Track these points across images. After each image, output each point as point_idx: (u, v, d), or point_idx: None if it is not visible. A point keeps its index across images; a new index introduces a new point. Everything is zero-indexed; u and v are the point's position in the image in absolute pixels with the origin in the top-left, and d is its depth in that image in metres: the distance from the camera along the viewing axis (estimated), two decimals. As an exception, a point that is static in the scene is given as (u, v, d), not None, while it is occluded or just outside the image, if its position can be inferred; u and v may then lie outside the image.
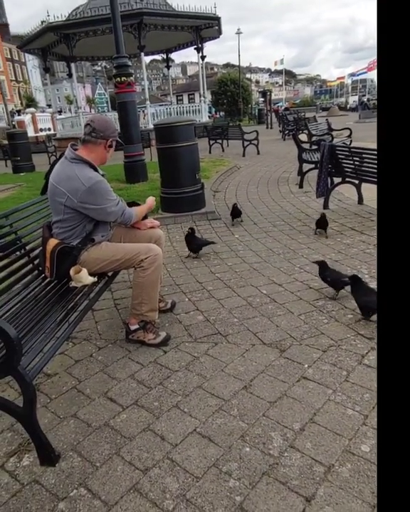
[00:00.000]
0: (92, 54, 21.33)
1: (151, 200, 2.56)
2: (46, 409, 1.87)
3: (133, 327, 2.37)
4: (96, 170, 2.17)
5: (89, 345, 2.40)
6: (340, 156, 4.60)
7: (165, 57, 22.89)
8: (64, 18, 16.23)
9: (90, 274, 2.20)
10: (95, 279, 2.25)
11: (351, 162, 4.47)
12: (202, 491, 1.42)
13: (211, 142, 12.98)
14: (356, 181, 4.83)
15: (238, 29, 34.21)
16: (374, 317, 2.41)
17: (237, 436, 1.64)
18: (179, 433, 1.68)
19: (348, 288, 2.56)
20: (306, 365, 2.05)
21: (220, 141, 13.12)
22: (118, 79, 6.76)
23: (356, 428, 1.63)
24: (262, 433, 1.65)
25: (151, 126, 13.67)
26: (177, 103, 32.57)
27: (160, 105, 21.37)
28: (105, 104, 35.75)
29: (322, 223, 3.97)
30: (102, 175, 2.23)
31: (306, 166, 6.38)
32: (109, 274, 2.43)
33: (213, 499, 1.39)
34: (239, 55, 34.75)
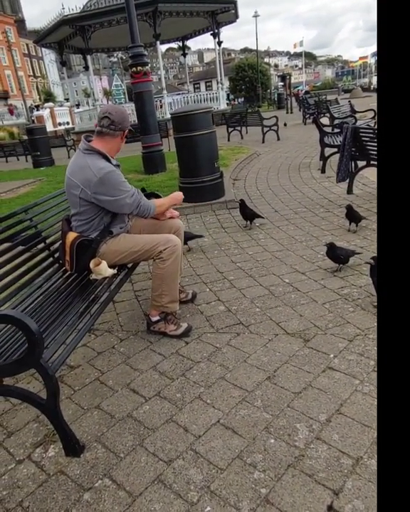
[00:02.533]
0: (107, 45, 21.29)
1: (177, 195, 2.48)
2: (70, 401, 1.89)
3: (154, 318, 2.36)
4: (109, 161, 2.15)
5: (111, 337, 2.41)
6: (364, 139, 4.44)
7: (181, 44, 22.60)
8: (79, 11, 16.21)
9: (110, 266, 2.20)
10: (115, 271, 2.25)
11: (376, 144, 4.30)
12: (227, 482, 1.40)
13: (230, 129, 12.78)
14: (381, 164, 4.65)
15: (255, 12, 33.39)
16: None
17: (261, 427, 1.62)
18: (202, 424, 1.67)
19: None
20: (331, 355, 2.00)
21: (238, 128, 12.91)
22: (134, 69, 6.70)
23: (385, 420, 1.58)
24: (287, 424, 1.62)
25: (168, 116, 13.59)
26: (194, 91, 32.18)
27: (177, 94, 21.13)
28: (122, 96, 35.70)
29: (352, 216, 3.60)
30: (116, 165, 2.21)
31: (328, 151, 6.20)
32: (129, 265, 2.42)
33: (237, 491, 1.37)
34: (257, 39, 34.04)
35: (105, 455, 1.57)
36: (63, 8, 16.18)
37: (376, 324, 2.22)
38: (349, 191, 4.84)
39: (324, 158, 6.32)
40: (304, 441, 1.53)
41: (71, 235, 2.19)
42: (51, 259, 2.42)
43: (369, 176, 5.36)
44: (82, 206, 2.14)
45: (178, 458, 1.52)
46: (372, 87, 44.43)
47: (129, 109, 16.76)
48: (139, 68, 6.65)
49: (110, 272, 2.19)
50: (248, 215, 4.05)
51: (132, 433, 1.67)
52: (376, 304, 2.40)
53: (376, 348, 2.02)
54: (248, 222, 4.11)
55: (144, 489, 1.41)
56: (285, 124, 12.12)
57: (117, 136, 2.18)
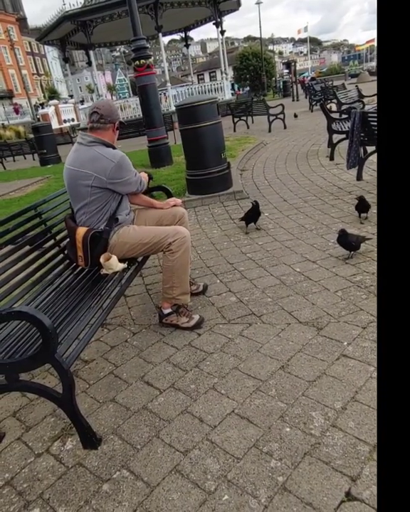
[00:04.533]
0: (110, 40, 21.20)
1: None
2: (86, 395, 1.91)
3: (166, 311, 2.36)
4: (114, 148, 2.23)
5: (123, 331, 2.43)
6: (373, 123, 4.35)
7: (183, 36, 22.38)
8: (80, 6, 16.13)
9: (120, 260, 2.20)
10: (125, 265, 2.25)
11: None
12: (243, 471, 1.41)
13: (235, 120, 12.66)
14: (391, 148, 4.57)
15: (258, -1, 32.84)
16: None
17: (276, 416, 1.61)
18: (217, 414, 1.67)
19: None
20: (345, 343, 1.98)
21: (244, 118, 12.79)
22: (137, 62, 6.65)
23: (402, 406, 1.56)
24: (302, 413, 1.61)
25: (173, 109, 13.51)
26: (198, 82, 31.95)
27: (181, 86, 21.00)
28: (126, 90, 35.57)
29: (362, 207, 3.48)
30: None
31: (336, 137, 6.10)
32: (139, 259, 2.42)
33: (254, 479, 1.37)
34: (260, 27, 33.45)
35: (122, 447, 1.59)
36: (64, 4, 16.13)
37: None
38: (359, 177, 4.76)
39: (332, 145, 6.22)
40: (320, 429, 1.53)
41: (81, 230, 2.19)
42: (62, 255, 2.44)
43: (378, 161, 5.26)
44: (92, 195, 2.17)
45: (194, 448, 1.53)
46: (379, 70, 43.46)
47: (134, 103, 16.82)
48: (142, 61, 6.61)
49: (121, 266, 2.20)
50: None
51: (147, 425, 1.68)
52: None
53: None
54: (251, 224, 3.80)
55: (161, 479, 1.43)
56: (296, 115, 11.93)
57: (109, 128, 2.24)
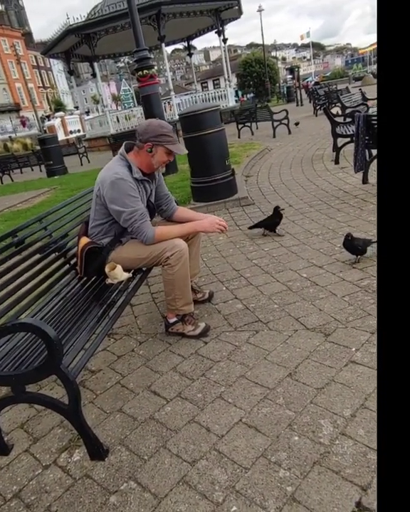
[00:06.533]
0: (113, 51, 21.47)
1: (200, 225, 2.30)
2: (93, 405, 1.91)
3: (172, 320, 2.36)
4: (131, 171, 2.14)
5: (130, 340, 2.43)
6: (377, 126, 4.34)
7: (186, 45, 22.62)
8: (83, 19, 16.41)
9: (124, 270, 2.21)
10: (130, 274, 2.25)
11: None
12: (251, 481, 1.39)
13: (240, 126, 12.70)
14: (396, 151, 4.55)
15: (259, 6, 33.15)
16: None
17: (284, 425, 1.59)
18: (225, 424, 1.65)
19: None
20: (353, 349, 1.96)
21: (248, 124, 12.84)
22: (140, 72, 6.73)
23: (412, 413, 1.53)
24: (310, 421, 1.59)
25: (177, 117, 13.62)
26: (202, 90, 32.19)
27: (185, 94, 21.14)
28: (131, 100, 36.02)
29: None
30: (144, 180, 2.20)
31: (341, 141, 6.08)
32: (144, 269, 2.43)
33: (263, 490, 1.35)
34: (262, 33, 33.79)
35: (129, 458, 1.58)
36: (68, 18, 16.41)
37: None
38: (365, 181, 4.74)
39: (337, 149, 6.21)
40: (329, 437, 1.50)
41: (83, 240, 2.23)
42: (67, 266, 2.45)
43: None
44: (97, 205, 2.21)
45: (202, 458, 1.52)
46: (383, 73, 43.52)
47: (139, 112, 16.99)
48: (145, 72, 6.68)
49: (126, 275, 2.20)
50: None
51: (154, 435, 1.67)
52: None
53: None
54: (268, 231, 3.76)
55: (169, 491, 1.41)
56: (297, 124, 11.95)
57: (142, 148, 2.14)
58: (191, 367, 2.06)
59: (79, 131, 25.45)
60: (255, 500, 1.32)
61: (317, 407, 1.65)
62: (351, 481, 1.33)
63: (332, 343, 2.03)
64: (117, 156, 2.23)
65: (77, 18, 16.35)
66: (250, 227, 3.83)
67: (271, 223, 3.67)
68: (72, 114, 30.27)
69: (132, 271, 2.28)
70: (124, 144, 2.24)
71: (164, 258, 2.14)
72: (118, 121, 18.10)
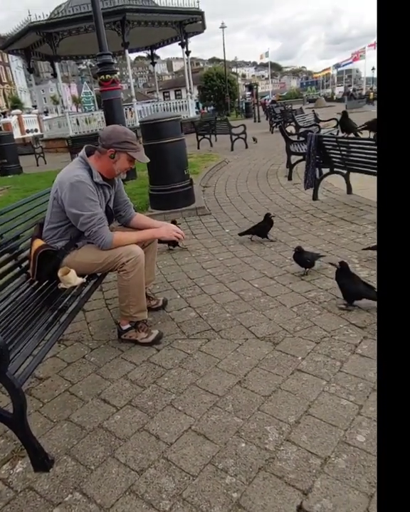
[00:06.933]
0: (76, 53, 21.10)
1: (159, 232, 2.34)
2: (39, 414, 1.84)
3: (125, 327, 2.34)
4: (91, 175, 2.11)
5: (81, 347, 2.38)
6: (327, 147, 4.59)
7: (150, 53, 22.69)
8: (46, 18, 16.02)
9: (78, 275, 2.17)
10: (84, 279, 2.22)
11: (339, 152, 4.45)
12: (199, 489, 1.40)
13: (199, 137, 12.90)
14: (345, 171, 4.83)
15: (222, 23, 34.05)
16: (365, 306, 2.42)
17: (232, 432, 1.63)
18: (174, 432, 1.66)
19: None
20: (300, 357, 2.04)
21: (208, 136, 13.06)
22: (102, 77, 6.67)
23: (351, 418, 1.63)
24: (257, 428, 1.64)
25: (138, 124, 13.56)
26: (164, 99, 32.36)
27: (147, 102, 21.15)
28: (92, 103, 35.34)
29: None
30: (104, 185, 2.18)
31: (294, 158, 6.37)
32: (99, 274, 2.39)
33: (209, 497, 1.37)
34: (224, 50, 34.64)
35: (75, 468, 1.54)
36: (30, 15, 15.95)
37: (341, 326, 2.29)
38: (315, 198, 4.99)
39: (290, 166, 6.49)
40: (274, 443, 1.55)
41: (37, 243, 2.17)
42: (19, 268, 2.36)
43: (333, 183, 5.54)
44: (54, 207, 2.16)
45: (150, 467, 1.51)
46: (334, 97, 46.18)
47: (99, 116, 16.75)
48: (107, 76, 6.64)
49: (79, 280, 2.17)
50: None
51: (102, 444, 1.64)
52: (341, 306, 2.47)
53: (341, 349, 2.08)
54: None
55: (115, 501, 1.39)
56: (255, 139, 12.31)
57: (104, 153, 2.12)
58: (142, 374, 2.06)
59: (36, 130, 24.62)
60: (202, 508, 1.34)
61: (264, 414, 1.70)
62: (293, 486, 1.38)
63: (280, 352, 2.11)
64: (77, 158, 2.20)
65: (40, 16, 15.93)
66: (240, 234, 3.89)
67: (261, 229, 3.75)
68: (29, 112, 29.26)
69: (86, 276, 2.25)
70: (84, 148, 2.20)
71: (119, 264, 2.13)
72: (78, 123, 17.73)
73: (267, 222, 3.71)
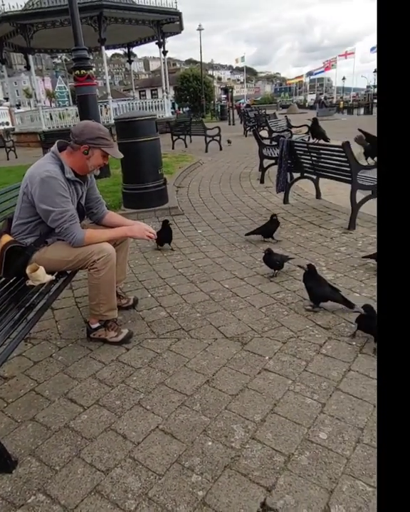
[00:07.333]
0: (51, 46, 20.66)
1: (131, 230, 2.32)
2: (2, 414, 1.80)
3: (94, 326, 2.32)
4: (63, 171, 2.08)
5: (48, 346, 2.33)
6: (298, 152, 4.69)
7: (127, 51, 22.47)
8: (21, 8, 15.60)
9: (47, 272, 2.13)
10: (53, 277, 2.18)
11: (309, 158, 4.56)
12: (164, 488, 1.41)
13: (174, 138, 12.88)
14: (314, 176, 4.95)
15: (200, 25, 34.04)
16: (330, 307, 2.50)
17: (199, 430, 1.64)
18: (142, 431, 1.66)
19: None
20: (267, 357, 2.08)
21: (183, 136, 13.05)
22: (77, 72, 6.57)
23: (315, 416, 1.68)
24: (224, 426, 1.66)
25: (113, 122, 13.38)
26: (140, 98, 32.11)
27: (123, 100, 20.91)
28: (66, 98, 34.63)
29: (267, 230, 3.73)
30: (76, 181, 2.15)
31: (267, 162, 6.48)
32: (69, 271, 2.36)
33: (175, 496, 1.38)
34: (201, 52, 34.63)
35: (40, 469, 1.52)
36: (4, 4, 15.48)
37: (308, 326, 2.35)
38: (285, 201, 5.09)
39: (263, 169, 6.59)
40: (240, 441, 1.58)
41: (5, 238, 2.11)
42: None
43: (303, 187, 5.68)
44: (23, 202, 2.11)
45: (116, 467, 1.51)
46: (307, 104, 47.28)
47: (74, 112, 16.44)
48: (82, 71, 6.54)
49: (48, 277, 2.13)
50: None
51: (68, 444, 1.62)
52: (307, 307, 2.54)
53: (307, 349, 2.14)
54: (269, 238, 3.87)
55: (80, 501, 1.38)
56: (229, 142, 12.42)
57: (77, 149, 2.09)
58: (111, 374, 2.04)
59: (8, 123, 23.90)
60: (167, 507, 1.34)
61: (231, 413, 1.73)
62: (257, 483, 1.41)
63: (248, 352, 2.14)
64: (48, 153, 2.15)
65: (14, 6, 15.48)
66: (247, 234, 3.90)
67: (266, 230, 3.76)
68: (1, 105, 28.34)
69: (56, 273, 2.21)
70: (56, 143, 2.16)
71: (90, 262, 2.11)
72: (51, 118, 17.35)
73: (272, 223, 3.73)
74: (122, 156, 2.27)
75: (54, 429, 1.70)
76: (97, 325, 2.31)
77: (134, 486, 1.42)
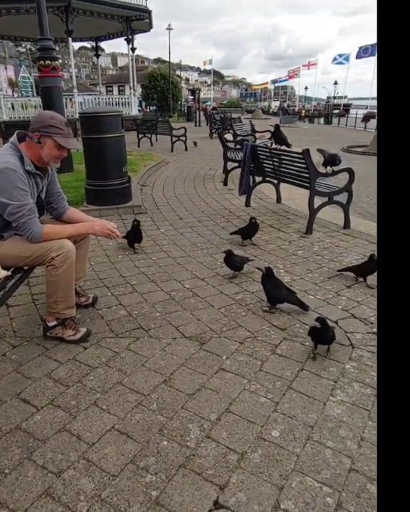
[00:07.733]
0: (14, 33, 19.87)
1: (91, 226, 2.27)
2: None
3: (51, 324, 2.26)
4: (22, 163, 2.01)
5: (2, 344, 2.25)
6: (261, 156, 4.79)
7: (94, 45, 22.00)
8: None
9: (3, 268, 2.06)
10: (9, 273, 2.10)
11: (271, 163, 4.67)
12: (118, 489, 1.40)
13: (140, 136, 12.76)
14: (275, 181, 5.07)
15: (169, 25, 33.86)
16: (286, 309, 2.57)
17: (155, 430, 1.64)
18: (97, 431, 1.64)
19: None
20: (224, 357, 2.12)
21: (149, 135, 12.96)
22: (42, 62, 6.36)
23: (268, 415, 1.72)
24: (180, 425, 1.67)
25: (78, 116, 13.05)
26: (107, 94, 31.53)
27: (89, 94, 20.42)
28: (30, 89, 33.33)
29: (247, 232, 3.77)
30: (36, 174, 2.09)
31: (230, 165, 6.57)
32: (26, 267, 2.29)
33: (129, 496, 1.37)
34: (169, 51, 34.46)
35: (-13, 473, 1.46)
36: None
37: (264, 327, 2.41)
38: (247, 204, 5.19)
39: (226, 172, 6.68)
40: (195, 440, 1.60)
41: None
42: None
43: (264, 191, 5.81)
44: None
45: (69, 468, 1.48)
46: (270, 110, 48.34)
47: (37, 103, 15.90)
48: (47, 62, 6.33)
49: (3, 273, 2.05)
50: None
51: (19, 446, 1.57)
52: (264, 308, 2.60)
53: (263, 349, 2.19)
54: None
55: (29, 505, 1.34)
56: (195, 143, 12.47)
57: (31, 138, 2.04)
58: (67, 373, 2.00)
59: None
60: (120, 508, 1.33)
61: (187, 412, 1.74)
62: (211, 481, 1.43)
63: (206, 352, 2.17)
64: (7, 144, 2.08)
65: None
66: (232, 233, 3.90)
67: (246, 232, 3.76)
68: None
69: (12, 269, 2.14)
70: (16, 133, 2.09)
71: (48, 258, 2.05)
72: (13, 108, 16.73)
73: (251, 225, 3.75)
74: (77, 146, 2.22)
75: (5, 431, 1.64)
76: (54, 323, 2.26)
77: (86, 488, 1.40)
